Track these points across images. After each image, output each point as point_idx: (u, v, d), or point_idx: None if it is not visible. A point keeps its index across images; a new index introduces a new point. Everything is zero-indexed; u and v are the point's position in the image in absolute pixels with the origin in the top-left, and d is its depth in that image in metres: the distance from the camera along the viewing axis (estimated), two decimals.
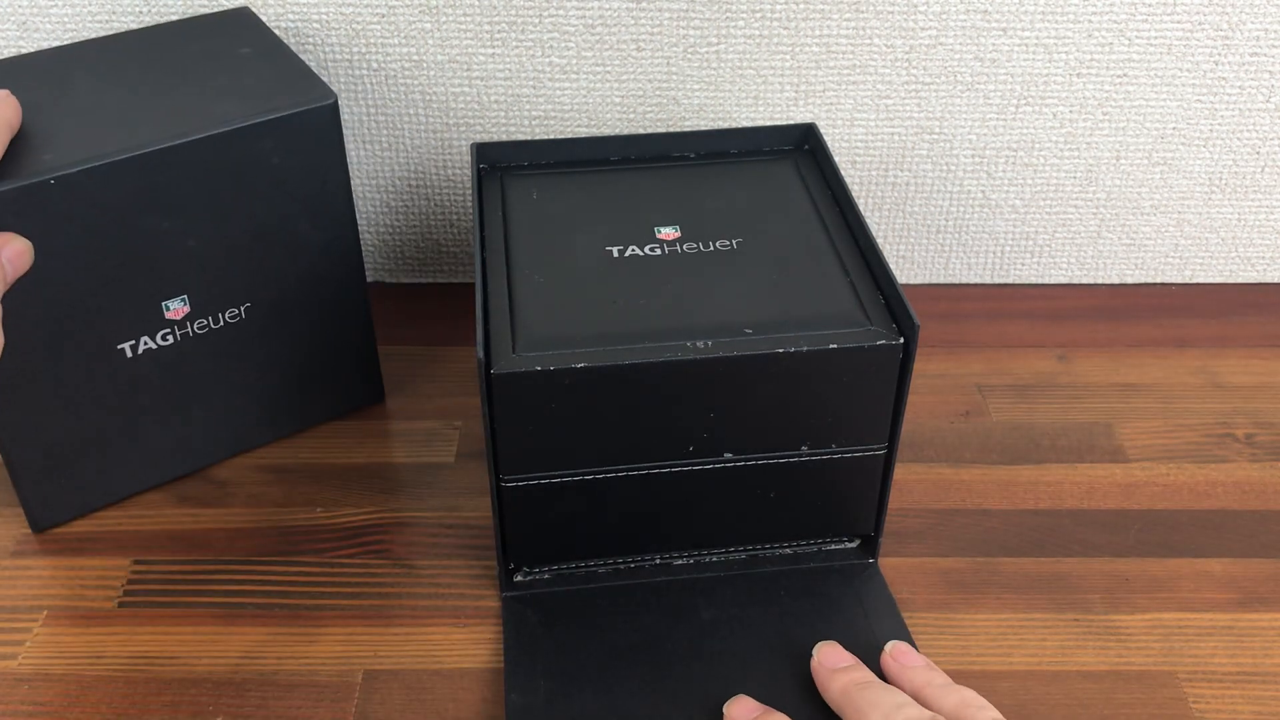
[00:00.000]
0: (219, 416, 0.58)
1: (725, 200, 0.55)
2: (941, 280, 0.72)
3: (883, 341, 0.47)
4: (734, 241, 0.52)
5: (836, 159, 0.68)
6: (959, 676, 0.49)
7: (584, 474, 0.49)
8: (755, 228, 0.53)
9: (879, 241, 0.70)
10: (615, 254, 0.51)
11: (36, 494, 0.54)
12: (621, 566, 0.53)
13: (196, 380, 0.55)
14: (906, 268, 0.71)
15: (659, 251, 0.52)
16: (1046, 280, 0.72)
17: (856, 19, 0.63)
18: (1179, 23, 0.63)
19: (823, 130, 0.67)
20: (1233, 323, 0.69)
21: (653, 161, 0.58)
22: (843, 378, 0.47)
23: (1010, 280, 0.72)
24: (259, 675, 0.49)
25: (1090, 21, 0.63)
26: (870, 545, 0.54)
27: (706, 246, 0.52)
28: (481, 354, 0.45)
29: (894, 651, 0.48)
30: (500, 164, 0.58)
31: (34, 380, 0.51)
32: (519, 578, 0.53)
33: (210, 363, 0.55)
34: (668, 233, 0.52)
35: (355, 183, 0.67)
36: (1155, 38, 0.63)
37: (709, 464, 0.49)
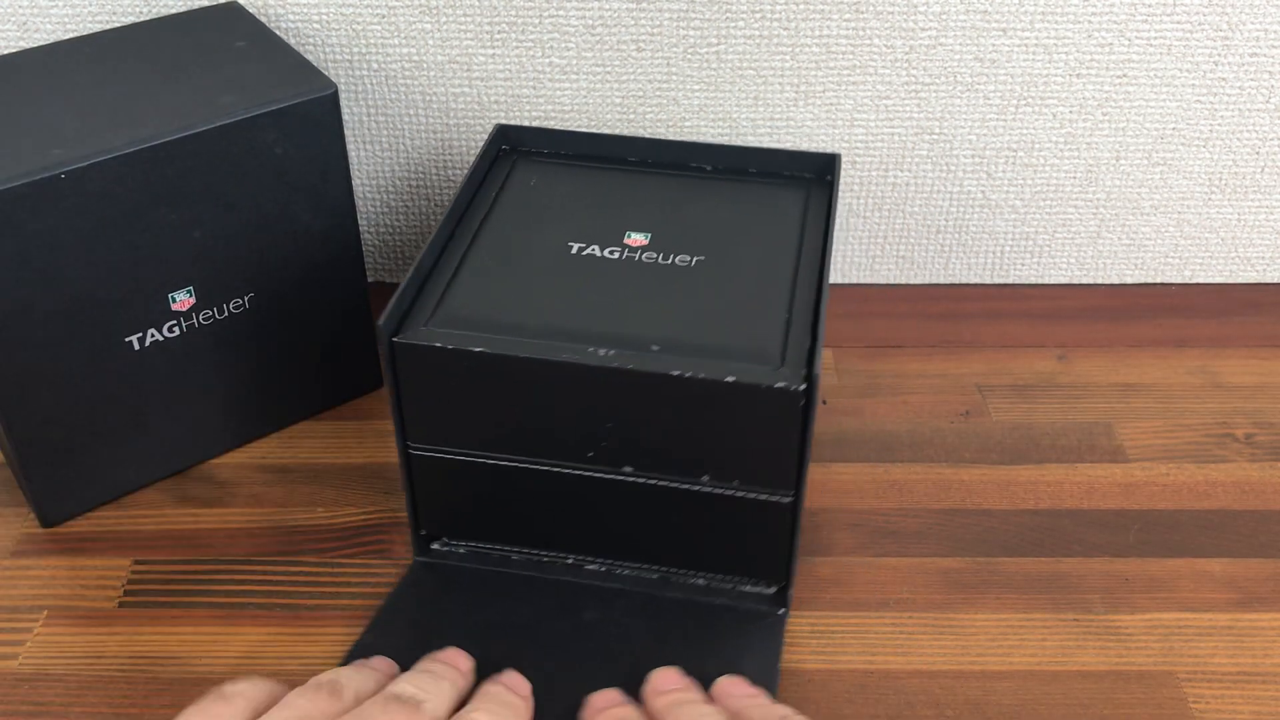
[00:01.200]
0: (223, 407, 0.58)
1: (712, 217, 0.54)
2: (941, 280, 0.72)
3: (781, 385, 0.44)
4: (695, 259, 0.51)
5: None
6: (959, 676, 0.49)
7: (489, 457, 0.49)
8: (725, 249, 0.52)
9: (879, 242, 0.70)
10: (574, 251, 0.51)
11: (46, 489, 0.54)
12: (534, 558, 0.53)
13: (201, 371, 0.56)
14: (906, 268, 0.72)
15: (617, 256, 0.51)
16: (1046, 280, 0.72)
17: (856, 19, 0.63)
18: (1179, 23, 0.63)
19: (822, 130, 0.67)
20: (1233, 323, 0.69)
21: (667, 168, 0.57)
22: (739, 415, 0.46)
23: (1010, 280, 0.72)
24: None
25: (1090, 22, 0.63)
26: (781, 595, 0.51)
27: (666, 259, 0.51)
28: (383, 321, 0.46)
29: (725, 681, 0.46)
30: (521, 148, 0.58)
31: (43, 375, 0.51)
32: (435, 546, 0.53)
33: (215, 354, 0.56)
34: (636, 239, 0.52)
35: (355, 183, 0.67)
36: (1155, 38, 0.63)
37: (609, 474, 0.49)
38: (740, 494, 0.48)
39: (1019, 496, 0.58)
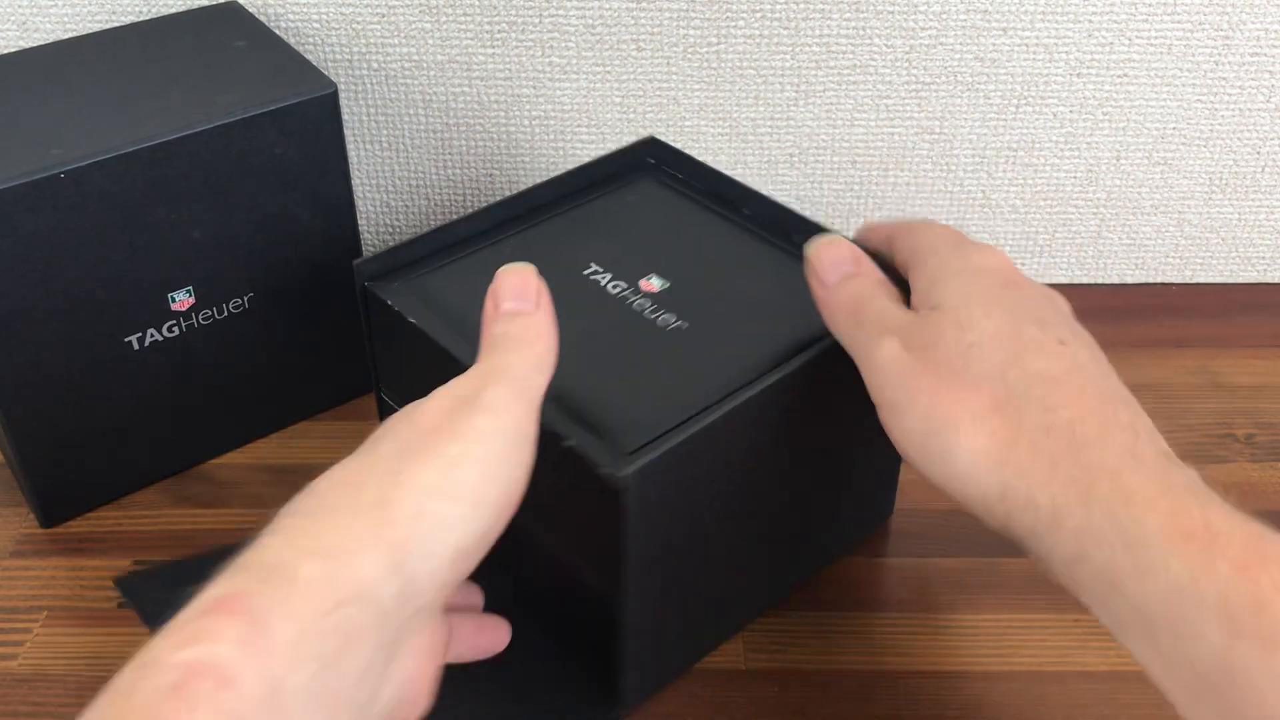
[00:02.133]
0: (223, 407, 0.58)
1: (753, 288, 0.50)
2: None
3: (604, 470, 0.40)
4: (687, 323, 0.48)
5: (836, 159, 0.68)
6: (959, 677, 0.49)
7: None
8: (733, 324, 0.48)
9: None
10: (584, 274, 0.50)
11: (46, 489, 0.54)
12: None
13: (201, 371, 0.56)
14: None
15: (619, 293, 0.49)
16: (1046, 280, 0.72)
17: (856, 19, 0.63)
18: (1179, 23, 0.63)
19: (823, 130, 0.67)
20: (1233, 323, 0.69)
21: (768, 230, 0.53)
22: (577, 490, 0.42)
23: None
24: None
25: (1090, 21, 0.63)
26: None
27: (658, 312, 0.48)
28: (361, 261, 0.47)
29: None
30: (664, 164, 0.57)
31: (44, 376, 0.51)
32: None
33: (214, 354, 0.56)
34: (651, 284, 0.50)
35: (355, 182, 0.67)
36: (1155, 38, 0.63)
37: None
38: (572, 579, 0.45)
39: None
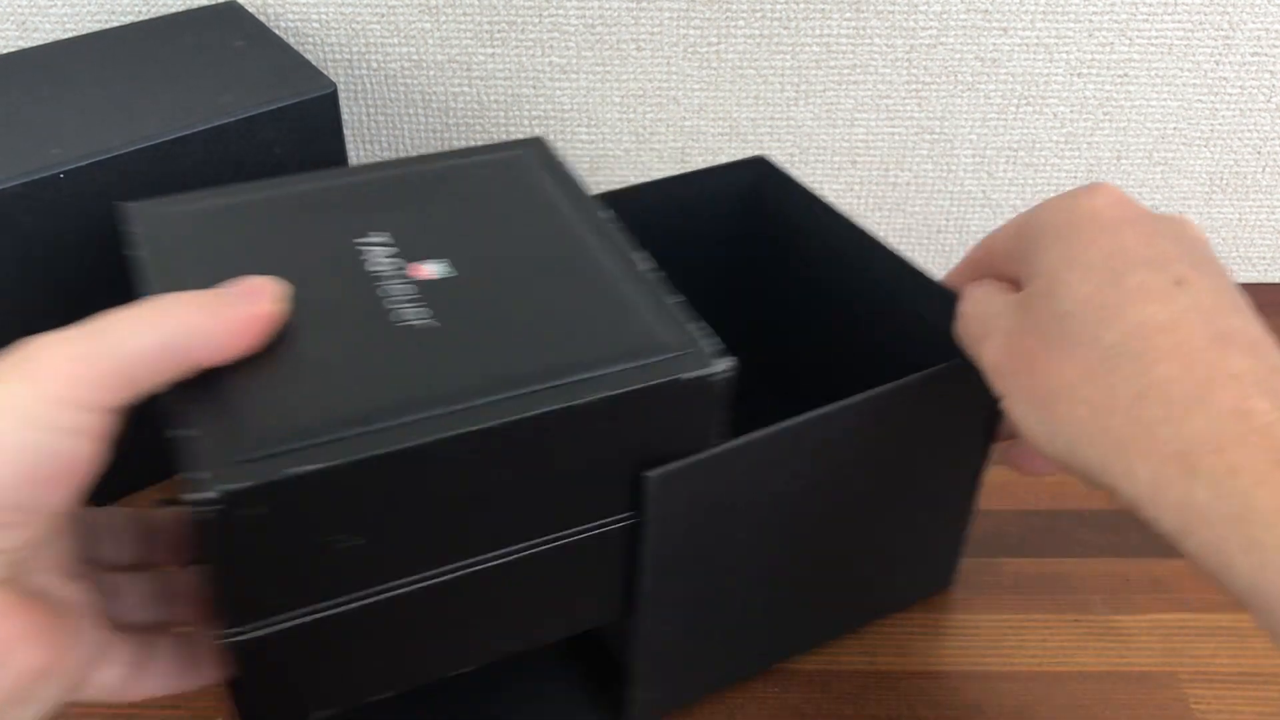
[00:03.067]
0: None
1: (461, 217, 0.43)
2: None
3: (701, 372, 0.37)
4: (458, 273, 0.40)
5: (836, 159, 0.68)
6: (959, 677, 0.49)
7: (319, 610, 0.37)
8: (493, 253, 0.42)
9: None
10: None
11: None
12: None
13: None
14: None
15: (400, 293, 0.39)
16: None
17: (856, 19, 0.63)
18: (1179, 23, 0.63)
19: (822, 130, 0.67)
20: None
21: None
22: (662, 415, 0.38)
23: None
24: None
25: (1090, 21, 0.63)
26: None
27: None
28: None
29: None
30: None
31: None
32: None
33: None
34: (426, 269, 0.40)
35: None
36: (1156, 38, 0.63)
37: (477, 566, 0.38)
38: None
39: (1019, 497, 0.57)
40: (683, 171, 0.53)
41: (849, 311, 0.53)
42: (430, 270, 0.40)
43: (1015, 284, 0.40)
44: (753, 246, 0.56)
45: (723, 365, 0.37)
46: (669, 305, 0.40)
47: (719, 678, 0.48)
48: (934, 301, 0.46)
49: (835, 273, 0.53)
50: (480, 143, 0.67)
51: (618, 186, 0.51)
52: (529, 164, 0.46)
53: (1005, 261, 0.41)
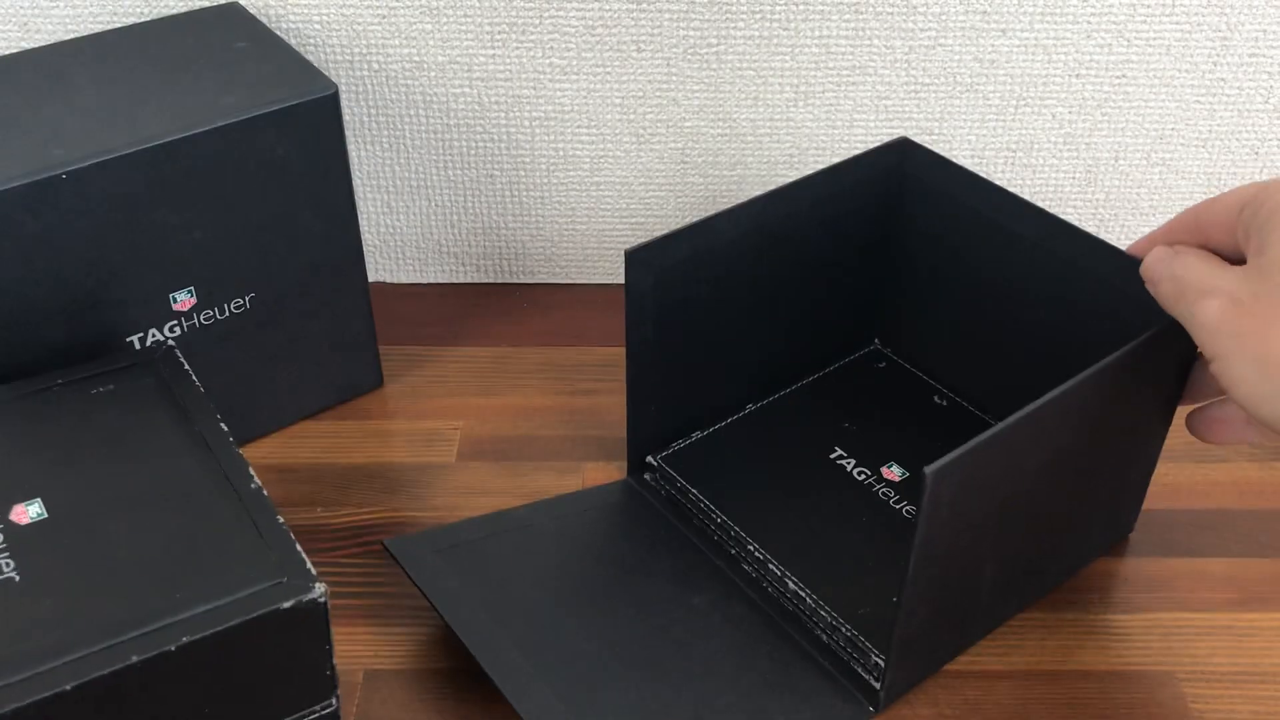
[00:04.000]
0: (223, 407, 0.58)
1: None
2: None
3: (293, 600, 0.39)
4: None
5: (836, 159, 0.68)
6: (958, 677, 0.49)
7: None
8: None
9: None
10: None
11: None
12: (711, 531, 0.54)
13: (202, 372, 0.56)
14: None
15: None
16: None
17: (856, 20, 0.63)
18: (1178, 24, 0.63)
19: (822, 130, 0.67)
20: None
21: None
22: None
23: None
24: None
25: (1089, 22, 0.63)
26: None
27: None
28: None
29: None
30: None
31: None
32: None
33: (216, 354, 0.56)
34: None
35: (355, 183, 0.67)
36: (1154, 39, 0.63)
37: None
38: None
39: None
40: (828, 165, 0.55)
41: (1014, 279, 0.54)
42: (24, 512, 0.42)
43: (1228, 254, 0.43)
44: (902, 225, 0.58)
45: (320, 590, 0.40)
46: (270, 529, 0.42)
47: (950, 652, 0.50)
48: (1111, 262, 0.49)
49: (994, 243, 0.54)
50: (481, 143, 0.67)
51: (759, 192, 0.53)
52: (143, 385, 0.49)
53: (1222, 233, 0.43)
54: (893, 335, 0.62)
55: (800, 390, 0.61)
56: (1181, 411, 0.49)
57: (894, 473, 0.55)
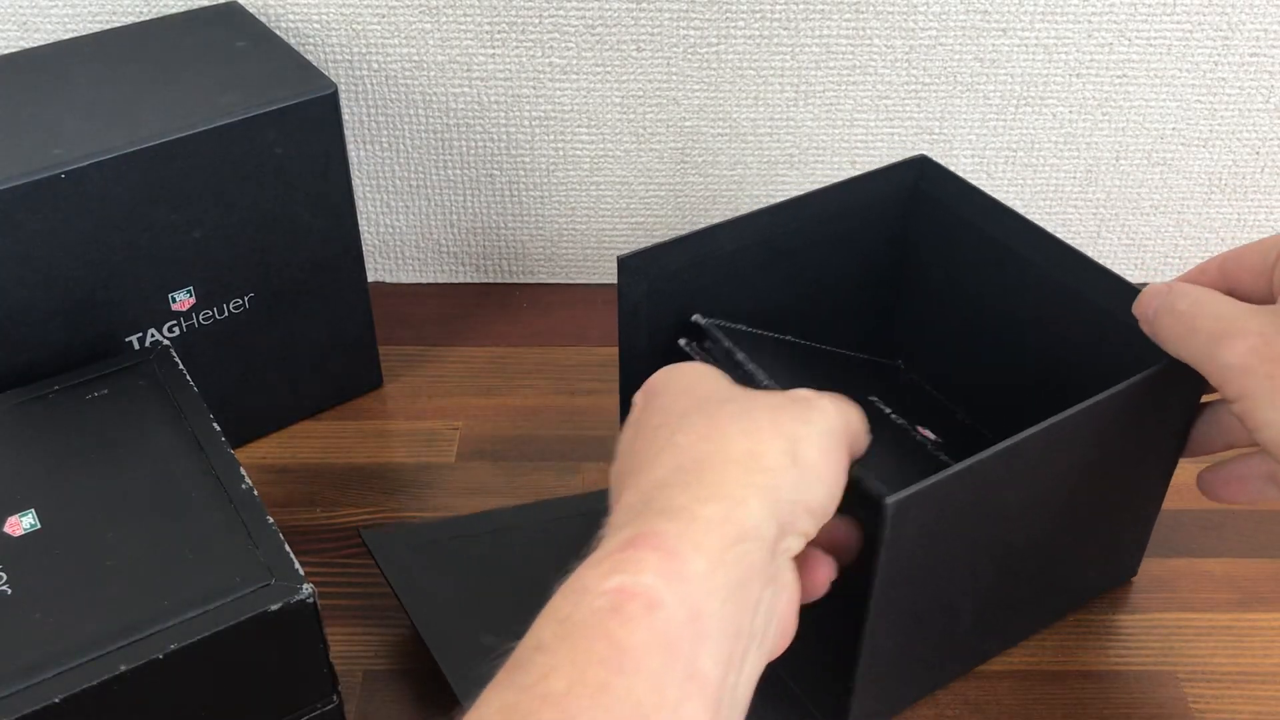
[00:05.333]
0: (223, 407, 0.58)
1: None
2: None
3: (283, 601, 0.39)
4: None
5: (836, 159, 0.68)
6: (959, 677, 0.49)
7: None
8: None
9: None
10: None
11: None
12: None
13: (202, 372, 0.56)
14: None
15: None
16: None
17: (856, 19, 0.63)
18: (1179, 23, 0.63)
19: (822, 130, 0.67)
20: None
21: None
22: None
23: None
24: None
25: (1090, 22, 0.63)
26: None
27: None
28: None
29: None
30: None
31: (43, 376, 0.51)
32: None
33: (215, 353, 0.56)
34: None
35: (355, 183, 0.67)
36: (1155, 38, 0.63)
37: None
38: None
39: None
40: (845, 178, 0.53)
41: (1023, 308, 0.52)
42: (18, 524, 0.42)
43: (1259, 297, 0.42)
44: (916, 246, 0.56)
45: (308, 590, 0.40)
46: (260, 530, 0.42)
47: (929, 684, 0.49)
48: (1121, 297, 0.47)
49: (1007, 269, 0.52)
50: (480, 142, 0.67)
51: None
52: (138, 386, 0.49)
53: (1252, 278, 0.43)
54: (904, 355, 0.60)
55: None
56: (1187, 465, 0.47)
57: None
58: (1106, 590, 0.53)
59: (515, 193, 0.69)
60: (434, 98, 0.65)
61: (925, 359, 0.59)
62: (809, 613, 0.42)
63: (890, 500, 0.38)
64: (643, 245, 0.48)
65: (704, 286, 0.51)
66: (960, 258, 0.54)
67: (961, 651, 0.49)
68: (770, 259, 0.52)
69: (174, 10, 0.61)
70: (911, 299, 0.58)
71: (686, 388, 0.40)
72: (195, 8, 0.60)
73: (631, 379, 0.52)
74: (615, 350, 0.51)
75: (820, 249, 0.53)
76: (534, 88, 0.65)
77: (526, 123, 0.66)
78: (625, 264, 0.47)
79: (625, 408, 0.53)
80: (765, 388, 0.47)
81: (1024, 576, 0.48)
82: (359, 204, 0.68)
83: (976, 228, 0.53)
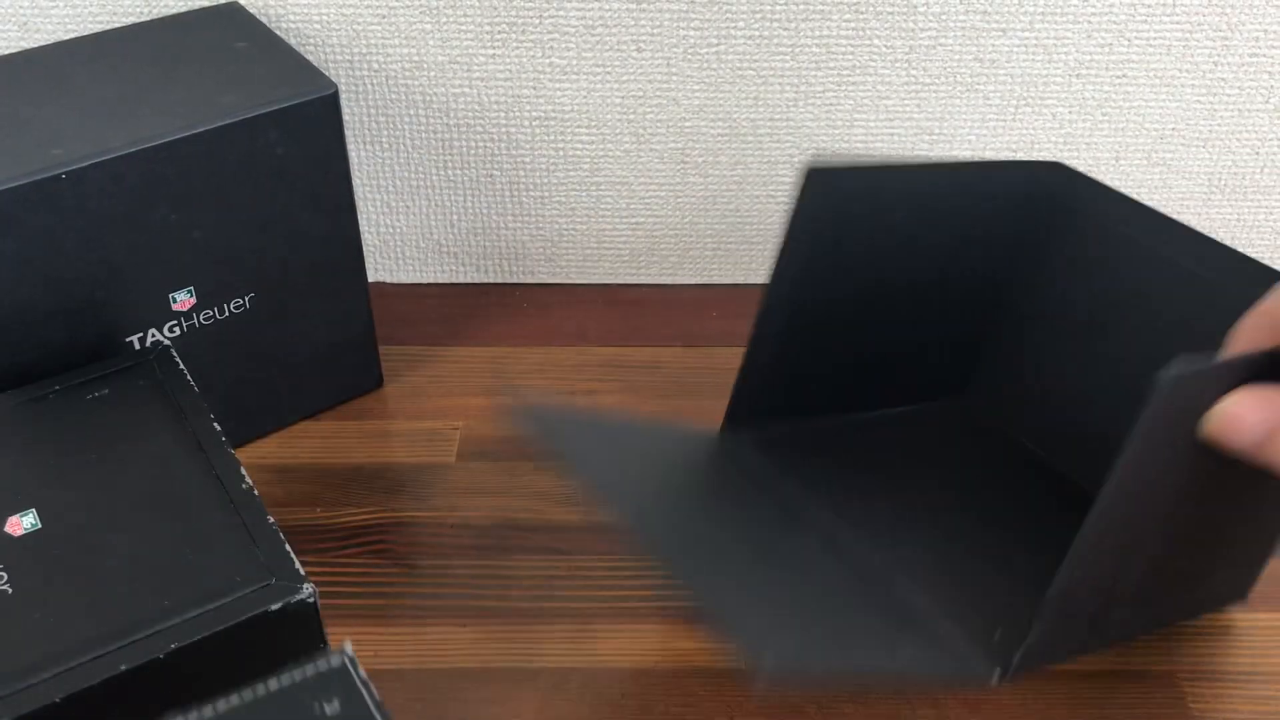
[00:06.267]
0: (223, 407, 0.58)
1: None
2: None
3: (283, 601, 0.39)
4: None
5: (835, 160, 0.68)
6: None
7: None
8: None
9: None
10: None
11: None
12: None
13: (201, 371, 0.56)
14: None
15: None
16: None
17: (856, 20, 0.63)
18: (1178, 24, 0.63)
19: (823, 130, 0.67)
20: None
21: None
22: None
23: None
24: None
25: (1090, 22, 0.63)
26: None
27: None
28: None
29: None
30: None
31: (43, 376, 0.51)
32: None
33: (215, 353, 0.56)
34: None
35: (355, 183, 0.67)
36: (1155, 38, 0.63)
37: None
38: None
39: None
40: (975, 159, 0.51)
41: (1183, 324, 0.50)
42: (18, 523, 0.42)
43: None
44: (1043, 256, 0.54)
45: (308, 590, 0.40)
46: (260, 530, 0.42)
47: (1070, 650, 0.47)
48: None
49: (1164, 283, 0.50)
50: (480, 143, 0.67)
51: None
52: (138, 386, 0.49)
53: None
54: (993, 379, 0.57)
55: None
56: None
57: None
58: (1220, 607, 0.52)
59: (515, 193, 0.69)
60: (434, 98, 0.65)
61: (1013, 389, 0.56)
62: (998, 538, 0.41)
63: (1164, 374, 0.35)
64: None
65: (871, 230, 0.48)
66: (1095, 269, 0.51)
67: (1105, 621, 0.47)
68: (919, 226, 0.49)
69: (174, 10, 0.61)
70: (1006, 319, 0.55)
71: None
72: (195, 8, 0.60)
73: (775, 305, 0.50)
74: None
75: (953, 230, 0.50)
76: (534, 88, 0.65)
77: (526, 123, 0.66)
78: (814, 174, 0.46)
79: (756, 346, 0.51)
80: None
81: (1186, 555, 0.46)
82: (359, 204, 0.68)
83: (1119, 240, 0.50)
